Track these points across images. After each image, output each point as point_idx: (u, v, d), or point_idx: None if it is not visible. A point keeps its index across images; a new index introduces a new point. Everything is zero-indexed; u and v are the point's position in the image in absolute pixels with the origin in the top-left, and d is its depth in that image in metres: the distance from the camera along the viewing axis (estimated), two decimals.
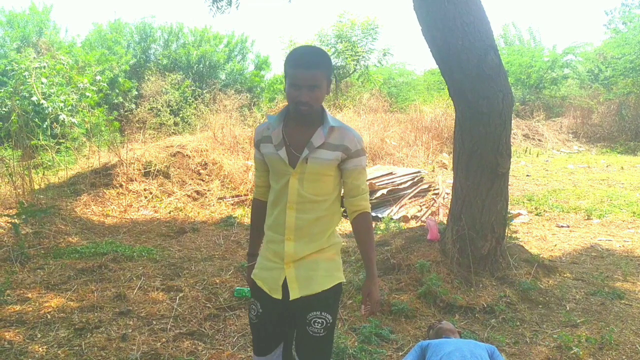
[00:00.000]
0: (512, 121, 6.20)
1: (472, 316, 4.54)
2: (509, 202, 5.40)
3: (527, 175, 12.68)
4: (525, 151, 16.51)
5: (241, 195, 9.11)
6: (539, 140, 18.36)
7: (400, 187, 9.48)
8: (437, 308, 4.60)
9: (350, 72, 18.47)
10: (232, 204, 8.91)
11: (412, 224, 8.02)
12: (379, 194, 8.98)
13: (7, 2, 46.48)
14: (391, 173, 10.11)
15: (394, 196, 9.12)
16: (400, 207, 8.79)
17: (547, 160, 15.37)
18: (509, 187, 5.45)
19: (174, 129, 14.29)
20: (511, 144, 5.18)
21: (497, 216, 5.10)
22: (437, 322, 3.84)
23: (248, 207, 8.79)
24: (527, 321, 4.49)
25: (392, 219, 7.98)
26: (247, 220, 8.09)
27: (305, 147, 2.34)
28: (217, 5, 8.64)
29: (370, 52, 17.91)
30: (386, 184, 9.42)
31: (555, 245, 7.02)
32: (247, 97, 15.79)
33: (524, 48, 23.66)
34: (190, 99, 15.72)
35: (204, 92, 16.38)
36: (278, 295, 2.41)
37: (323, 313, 2.41)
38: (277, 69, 23.41)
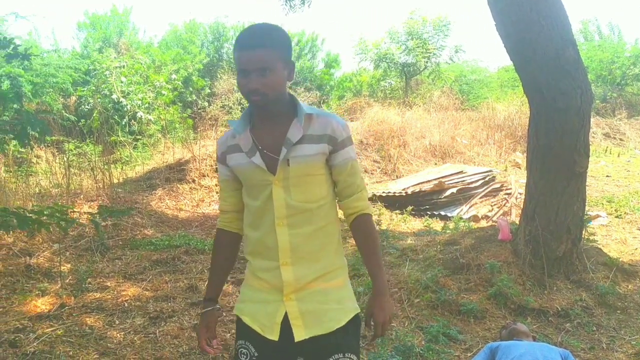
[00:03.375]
0: (592, 119, 5.97)
1: (545, 319, 4.40)
2: (586, 203, 5.19)
3: (607, 176, 12.13)
4: (606, 151, 15.79)
5: None
6: (621, 139, 17.50)
7: (470, 186, 9.30)
8: (508, 310, 4.49)
9: (421, 70, 18.26)
10: None
11: (483, 223, 7.84)
12: (448, 192, 8.85)
13: (91, 5, 48.74)
14: (461, 172, 9.94)
15: (464, 195, 8.96)
16: (470, 207, 8.63)
17: (629, 160, 14.64)
18: (587, 187, 5.25)
19: None
20: (590, 142, 4.98)
21: (574, 217, 4.91)
22: (511, 322, 3.75)
23: None
24: (604, 326, 4.31)
25: (461, 218, 7.84)
26: None
27: (282, 147, 1.88)
28: (290, 5, 8.76)
29: (441, 49, 17.63)
30: (456, 182, 9.27)
31: (636, 249, 6.69)
32: (316, 94, 15.90)
33: (604, 43, 22.62)
34: None
35: None
36: (274, 336, 1.92)
37: (347, 354, 1.94)
38: (346, 67, 23.44)
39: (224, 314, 4.25)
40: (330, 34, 53.14)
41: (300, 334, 1.90)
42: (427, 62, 17.64)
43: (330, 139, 1.90)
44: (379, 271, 2.01)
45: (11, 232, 3.20)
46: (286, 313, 1.92)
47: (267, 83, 1.79)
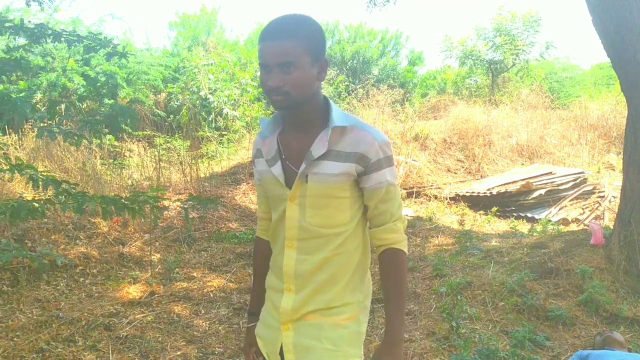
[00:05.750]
0: None
1: (639, 329, 4.17)
2: None
3: None
4: None
5: None
6: None
7: (560, 187, 8.95)
8: (600, 318, 4.28)
9: (509, 67, 17.72)
10: None
11: (573, 227, 7.52)
12: (536, 194, 8.55)
13: (182, 5, 50.63)
14: (550, 173, 9.58)
15: (553, 197, 8.63)
16: (559, 209, 8.30)
17: None
18: None
19: None
20: None
21: None
22: (607, 330, 3.58)
23: None
24: None
25: (550, 220, 7.55)
26: None
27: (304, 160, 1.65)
28: (375, 2, 8.76)
29: (531, 46, 17.02)
30: (545, 183, 8.94)
31: None
32: (399, 92, 15.75)
33: None
34: (343, 94, 16.02)
35: (357, 87, 16.60)
36: None
37: None
38: (430, 65, 23.05)
39: None
40: (414, 31, 52.57)
41: None
42: (515, 59, 17.11)
43: (361, 158, 1.62)
44: (397, 318, 1.70)
45: (108, 219, 3.37)
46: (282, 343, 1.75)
47: (290, 80, 1.54)
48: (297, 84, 1.54)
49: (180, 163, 8.26)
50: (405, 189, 9.23)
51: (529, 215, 8.16)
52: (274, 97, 1.57)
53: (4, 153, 6.53)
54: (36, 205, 3.06)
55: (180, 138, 9.91)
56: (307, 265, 1.69)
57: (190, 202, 3.67)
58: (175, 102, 12.27)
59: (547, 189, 8.71)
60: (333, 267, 1.69)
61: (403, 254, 1.71)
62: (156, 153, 8.39)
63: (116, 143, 9.07)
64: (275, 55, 1.52)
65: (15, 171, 3.17)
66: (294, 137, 1.69)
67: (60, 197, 3.12)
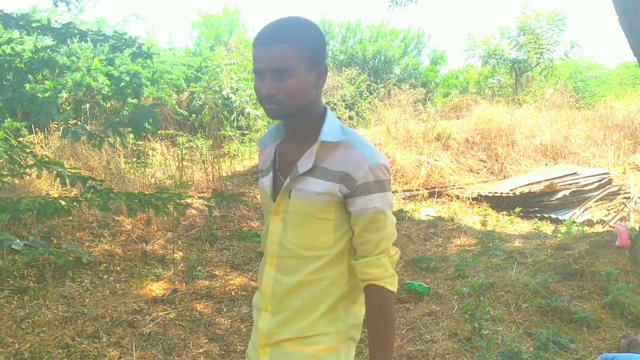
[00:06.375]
0: None
1: None
2: None
3: None
4: None
5: (412, 190, 9.08)
6: None
7: (584, 188, 8.83)
8: (625, 320, 4.22)
9: (533, 66, 17.53)
10: (404, 198, 8.91)
11: (598, 228, 7.42)
12: (560, 194, 8.45)
13: (204, 5, 50.98)
14: (575, 173, 9.47)
15: (577, 198, 8.52)
16: (584, 210, 8.20)
17: None
18: None
19: (348, 123, 14.60)
20: None
21: None
22: (633, 333, 3.53)
23: (419, 202, 8.74)
24: None
25: (574, 222, 7.46)
26: (417, 215, 8.06)
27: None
28: (397, 1, 8.75)
29: (555, 45, 16.83)
30: (569, 184, 8.84)
31: None
32: (421, 91, 15.66)
33: None
34: (365, 94, 15.98)
35: (379, 86, 16.56)
36: None
37: None
38: (452, 64, 22.92)
39: None
40: (436, 30, 52.29)
41: None
42: (539, 58, 16.93)
43: (346, 178, 1.49)
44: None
45: (133, 216, 3.42)
46: None
47: (284, 88, 1.44)
48: (292, 92, 1.45)
49: (203, 162, 8.32)
50: (427, 188, 9.19)
51: (553, 216, 8.07)
52: (267, 105, 1.48)
53: (31, 151, 6.64)
54: (63, 203, 3.10)
55: (202, 137, 9.96)
56: (282, 286, 1.58)
57: (214, 199, 3.70)
58: (198, 102, 12.35)
59: (572, 190, 8.61)
60: (309, 292, 1.56)
61: (388, 293, 1.54)
62: (179, 152, 8.46)
63: (139, 142, 9.15)
64: (268, 60, 1.43)
65: (43, 168, 3.22)
66: (289, 148, 1.61)
67: (86, 194, 3.16)
